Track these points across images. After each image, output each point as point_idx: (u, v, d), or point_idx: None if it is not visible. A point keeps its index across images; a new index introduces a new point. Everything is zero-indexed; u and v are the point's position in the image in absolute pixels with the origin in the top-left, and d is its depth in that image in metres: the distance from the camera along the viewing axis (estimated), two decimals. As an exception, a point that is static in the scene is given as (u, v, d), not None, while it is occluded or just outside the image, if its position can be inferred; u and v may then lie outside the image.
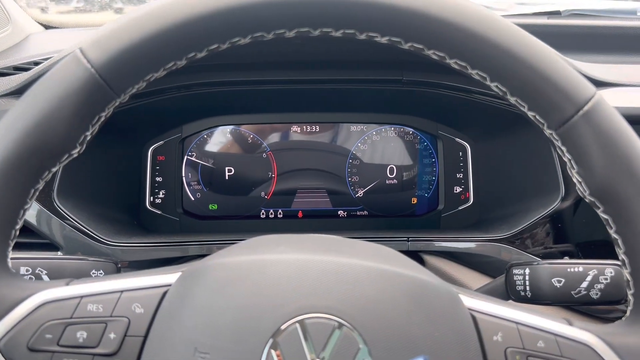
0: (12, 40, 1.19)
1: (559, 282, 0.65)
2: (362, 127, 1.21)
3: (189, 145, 1.19)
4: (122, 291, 0.46)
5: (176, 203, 1.19)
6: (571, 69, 0.45)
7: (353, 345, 0.42)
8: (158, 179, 1.18)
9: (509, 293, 0.70)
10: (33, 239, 0.95)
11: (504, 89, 0.46)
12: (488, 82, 0.47)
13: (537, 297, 0.66)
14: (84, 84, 0.44)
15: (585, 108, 0.45)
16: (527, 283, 0.67)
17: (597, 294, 0.64)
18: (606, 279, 0.64)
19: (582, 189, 0.47)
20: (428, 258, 1.06)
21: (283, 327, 0.42)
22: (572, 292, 0.65)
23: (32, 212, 0.94)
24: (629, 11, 1.28)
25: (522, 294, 0.68)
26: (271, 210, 1.21)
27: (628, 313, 0.48)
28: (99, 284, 0.47)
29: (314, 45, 0.98)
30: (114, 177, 1.12)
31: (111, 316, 0.45)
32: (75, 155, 0.47)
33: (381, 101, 1.16)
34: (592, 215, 0.48)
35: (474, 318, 0.46)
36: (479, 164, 1.19)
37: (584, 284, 0.64)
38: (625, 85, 0.97)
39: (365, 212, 1.21)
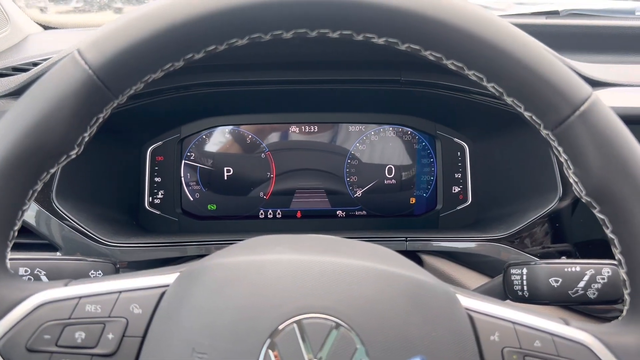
0: (11, 41, 1.19)
1: (557, 281, 0.65)
2: (360, 127, 1.21)
3: (188, 146, 1.19)
4: (120, 292, 0.47)
5: (175, 203, 1.19)
6: (567, 69, 0.45)
7: (350, 346, 0.42)
8: (157, 179, 1.18)
9: (506, 293, 0.70)
10: (32, 240, 0.95)
11: (500, 90, 0.47)
12: (485, 83, 0.47)
13: (535, 297, 0.67)
14: (82, 86, 0.44)
15: (582, 108, 0.45)
16: (525, 283, 0.67)
17: (594, 294, 0.64)
18: (603, 278, 0.64)
19: (578, 189, 0.47)
20: (426, 258, 1.06)
21: (281, 327, 0.43)
22: (570, 292, 0.65)
23: (31, 213, 0.94)
24: (627, 11, 1.28)
25: (520, 293, 0.68)
26: (270, 211, 1.21)
27: (624, 313, 0.48)
28: (97, 285, 0.47)
29: (312, 46, 0.99)
30: (113, 177, 1.12)
31: (109, 317, 0.45)
32: (73, 157, 0.47)
33: (379, 101, 1.16)
34: (589, 215, 0.48)
35: (471, 318, 0.46)
36: (477, 164, 1.19)
37: (581, 284, 0.64)
38: (623, 85, 0.97)
39: (364, 212, 1.21)
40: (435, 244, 1.05)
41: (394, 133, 1.21)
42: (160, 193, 1.18)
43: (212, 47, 0.45)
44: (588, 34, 1.15)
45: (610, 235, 0.47)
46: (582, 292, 0.65)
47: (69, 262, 0.64)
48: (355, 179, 1.21)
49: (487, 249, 1.01)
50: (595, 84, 0.96)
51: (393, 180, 1.21)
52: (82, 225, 0.95)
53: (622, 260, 0.47)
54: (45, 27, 1.34)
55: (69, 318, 0.45)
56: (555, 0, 1.34)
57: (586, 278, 0.64)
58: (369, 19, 0.44)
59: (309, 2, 0.44)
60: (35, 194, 0.46)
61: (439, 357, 0.43)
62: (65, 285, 0.47)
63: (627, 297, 0.48)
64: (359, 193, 1.21)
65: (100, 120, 0.46)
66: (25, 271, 0.62)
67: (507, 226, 1.01)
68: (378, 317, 0.44)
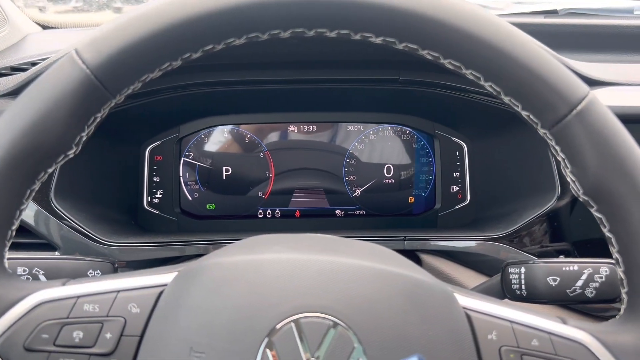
0: (9, 41, 1.19)
1: (555, 280, 0.65)
2: (359, 126, 1.21)
3: (186, 145, 1.19)
4: (118, 291, 0.47)
5: (174, 203, 1.19)
6: (564, 68, 0.46)
7: (348, 345, 0.42)
8: (155, 178, 1.18)
9: (504, 292, 0.70)
10: (31, 240, 0.95)
11: (497, 89, 0.47)
12: (482, 82, 0.47)
13: (533, 296, 0.67)
14: (80, 85, 0.44)
15: (579, 107, 0.45)
16: (523, 282, 0.67)
17: (592, 293, 0.64)
18: (601, 277, 0.64)
19: (576, 188, 0.47)
20: (425, 257, 1.06)
21: (278, 326, 0.43)
22: (568, 291, 0.65)
23: (30, 213, 0.94)
24: (625, 10, 1.28)
25: (518, 292, 0.68)
26: (269, 210, 1.21)
27: (622, 311, 0.48)
28: (95, 284, 0.47)
29: (310, 46, 0.98)
30: (112, 177, 1.12)
31: (107, 316, 0.45)
32: (71, 156, 0.47)
33: (378, 101, 1.16)
34: (588, 214, 0.48)
35: (468, 317, 0.46)
36: (476, 163, 1.19)
37: (579, 283, 0.64)
38: (621, 84, 0.97)
39: (363, 212, 1.21)
40: (433, 243, 1.05)
41: (392, 132, 1.21)
42: (158, 193, 1.18)
43: (210, 47, 0.45)
44: (586, 33, 1.15)
45: (608, 234, 0.47)
46: (580, 291, 0.65)
47: (67, 261, 0.64)
48: (354, 178, 1.21)
49: (486, 248, 1.01)
50: (592, 83, 0.96)
51: (392, 180, 1.21)
52: (80, 224, 0.95)
53: (620, 259, 0.47)
54: (44, 27, 1.34)
55: (67, 317, 0.45)
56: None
57: (584, 277, 0.64)
58: (366, 18, 0.44)
59: (306, 2, 0.44)
60: (33, 194, 0.46)
61: (436, 356, 0.43)
62: (63, 284, 0.47)
63: (624, 295, 0.48)
64: (357, 192, 1.21)
65: (98, 119, 0.47)
66: (24, 271, 0.62)
67: (506, 225, 1.01)
68: (375, 316, 0.44)
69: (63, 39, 1.23)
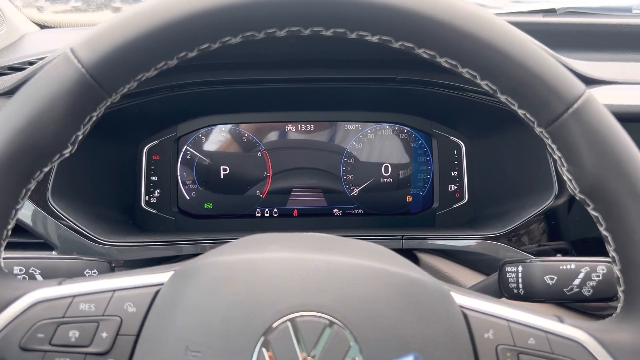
0: (6, 40, 1.19)
1: (552, 279, 0.65)
2: (357, 125, 1.21)
3: (184, 145, 1.19)
4: (114, 290, 0.46)
5: (171, 202, 1.19)
6: (561, 67, 0.45)
7: (344, 343, 0.42)
8: (153, 178, 1.18)
9: (502, 290, 0.70)
10: (28, 239, 0.95)
11: (494, 87, 0.47)
12: (478, 81, 0.47)
13: (530, 295, 0.67)
14: (75, 84, 0.44)
15: (575, 106, 0.45)
16: (520, 280, 0.67)
17: (589, 291, 0.65)
18: (598, 276, 0.64)
19: (572, 187, 0.47)
20: (422, 256, 1.06)
21: (274, 325, 0.43)
22: (565, 290, 0.65)
23: (27, 212, 0.94)
24: (624, 9, 1.28)
25: (515, 291, 0.68)
26: (266, 209, 1.21)
27: (618, 310, 0.49)
28: (91, 284, 0.47)
29: (308, 45, 0.98)
30: (109, 176, 1.12)
31: (103, 315, 0.45)
32: (66, 155, 0.47)
33: (376, 100, 1.16)
34: (585, 213, 0.48)
35: (465, 315, 0.46)
36: (474, 162, 1.19)
37: (576, 281, 0.64)
38: (619, 82, 0.97)
39: (361, 211, 1.21)
40: (431, 242, 1.05)
41: (390, 131, 1.21)
42: (156, 192, 1.18)
43: (206, 46, 0.45)
44: (585, 31, 1.15)
45: (604, 233, 0.47)
46: (577, 289, 0.65)
47: (63, 261, 0.64)
48: (351, 177, 1.21)
49: (484, 246, 1.01)
50: (590, 81, 0.96)
51: (389, 179, 1.21)
52: (78, 224, 0.95)
53: (616, 258, 0.47)
54: (42, 27, 1.34)
55: (63, 317, 0.45)
56: (552, -2, 1.34)
57: (581, 276, 0.64)
58: (362, 17, 0.44)
59: (302, 1, 0.44)
60: (29, 193, 0.46)
61: (433, 355, 0.43)
62: (59, 284, 0.47)
63: (621, 294, 0.48)
64: (355, 191, 1.21)
65: (94, 119, 0.46)
66: (20, 270, 0.62)
67: (504, 224, 1.01)
68: (372, 315, 0.44)
69: (61, 39, 1.23)
